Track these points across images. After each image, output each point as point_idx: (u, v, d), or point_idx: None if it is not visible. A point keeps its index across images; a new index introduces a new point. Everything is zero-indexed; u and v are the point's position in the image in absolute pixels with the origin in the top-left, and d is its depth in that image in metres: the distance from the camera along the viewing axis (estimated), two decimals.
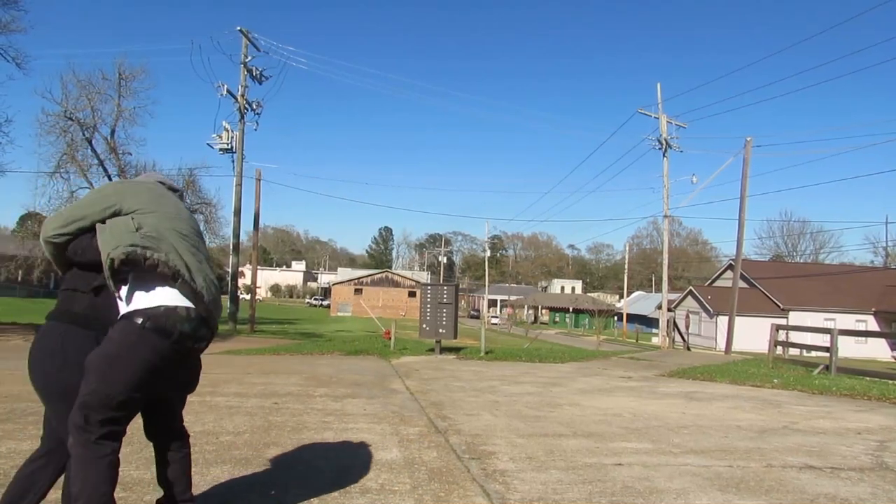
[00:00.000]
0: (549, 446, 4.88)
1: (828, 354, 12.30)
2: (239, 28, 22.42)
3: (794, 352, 17.90)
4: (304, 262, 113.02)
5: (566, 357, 14.67)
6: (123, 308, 2.44)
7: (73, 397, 2.33)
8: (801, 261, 60.70)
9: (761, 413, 7.05)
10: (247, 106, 22.83)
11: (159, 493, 3.37)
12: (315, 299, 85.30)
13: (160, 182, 2.80)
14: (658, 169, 28.11)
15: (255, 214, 26.44)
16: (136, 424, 5.08)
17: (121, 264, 2.37)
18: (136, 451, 4.18)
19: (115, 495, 3.29)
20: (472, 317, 74.17)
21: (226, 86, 21.94)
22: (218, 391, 6.80)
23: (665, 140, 27.66)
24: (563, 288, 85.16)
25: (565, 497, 3.61)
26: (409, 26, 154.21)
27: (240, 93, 22.58)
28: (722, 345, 28.23)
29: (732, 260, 31.97)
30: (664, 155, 27.80)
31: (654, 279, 67.90)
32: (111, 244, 2.40)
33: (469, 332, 29.05)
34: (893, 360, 31.57)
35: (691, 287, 44.60)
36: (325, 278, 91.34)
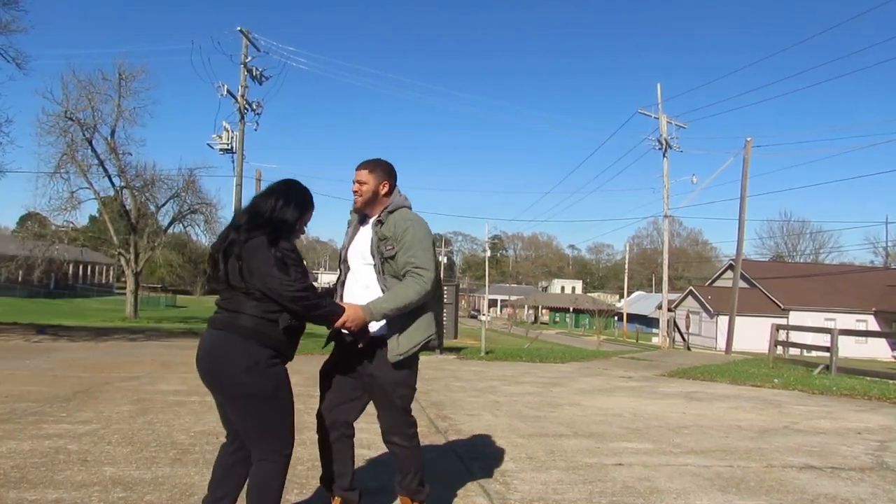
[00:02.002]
0: (549, 446, 4.88)
1: (828, 354, 12.29)
2: (239, 28, 22.42)
3: (794, 352, 17.88)
4: (304, 262, 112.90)
5: (566, 357, 14.67)
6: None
7: None
8: (801, 261, 60.68)
9: (762, 413, 7.05)
10: (247, 106, 22.84)
11: (159, 492, 3.39)
12: None
13: None
14: (658, 169, 28.13)
15: None
16: (137, 425, 5.07)
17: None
18: (137, 451, 4.19)
19: (115, 495, 3.30)
20: (472, 317, 74.12)
21: (226, 86, 21.93)
22: None
23: (665, 140, 27.65)
24: (563, 288, 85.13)
25: (566, 497, 3.61)
26: (409, 26, 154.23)
27: (240, 93, 22.58)
28: (722, 345, 28.22)
29: (732, 260, 31.97)
30: (664, 155, 27.79)
31: (654, 279, 67.87)
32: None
33: (469, 332, 29.05)
34: (894, 360, 31.56)
35: (691, 287, 44.59)
36: (325, 278, 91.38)
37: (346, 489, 2.98)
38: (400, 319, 2.80)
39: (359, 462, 4.17)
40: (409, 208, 3.01)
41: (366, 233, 2.98)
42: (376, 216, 2.94)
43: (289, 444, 2.49)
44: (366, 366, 2.87)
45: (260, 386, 2.37)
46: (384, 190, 2.94)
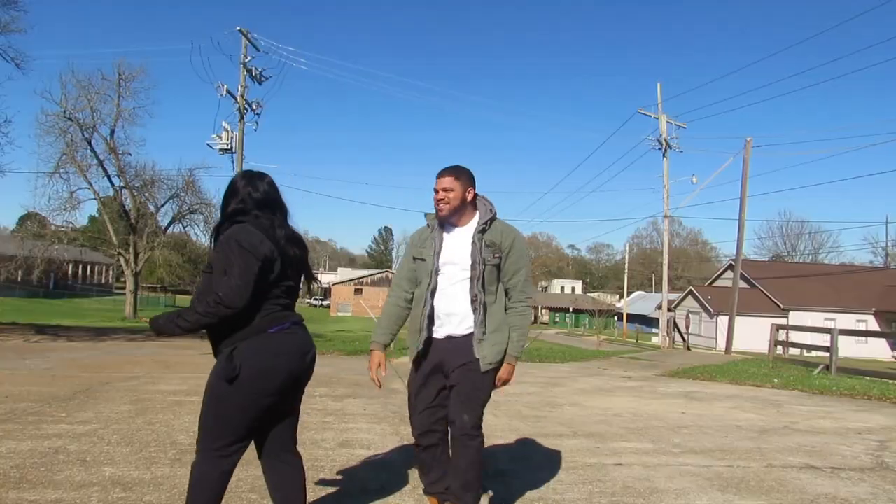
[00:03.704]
0: (549, 446, 4.87)
1: (828, 354, 12.29)
2: (239, 28, 22.42)
3: (794, 352, 17.87)
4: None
5: (566, 357, 14.66)
6: None
7: None
8: (801, 261, 60.68)
9: (761, 413, 7.05)
10: (247, 106, 22.83)
11: (159, 492, 3.38)
12: (315, 299, 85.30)
13: None
14: (658, 169, 28.10)
15: None
16: (136, 425, 5.06)
17: None
18: (136, 452, 4.19)
19: (115, 495, 3.30)
20: None
21: (225, 86, 21.93)
22: None
23: (665, 140, 27.64)
24: (563, 288, 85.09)
25: (566, 497, 3.61)
26: (410, 26, 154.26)
27: (239, 93, 22.58)
28: (722, 345, 28.22)
29: (732, 260, 31.97)
30: (664, 155, 27.78)
31: (654, 279, 67.88)
32: None
33: None
34: (894, 360, 31.55)
35: (691, 287, 44.57)
36: (325, 278, 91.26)
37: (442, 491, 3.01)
38: (493, 334, 2.89)
39: (359, 462, 4.18)
40: None
41: (458, 240, 2.96)
42: (479, 224, 2.95)
43: None
44: (457, 361, 2.90)
45: None
46: (470, 196, 2.96)
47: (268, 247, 2.37)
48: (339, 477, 3.80)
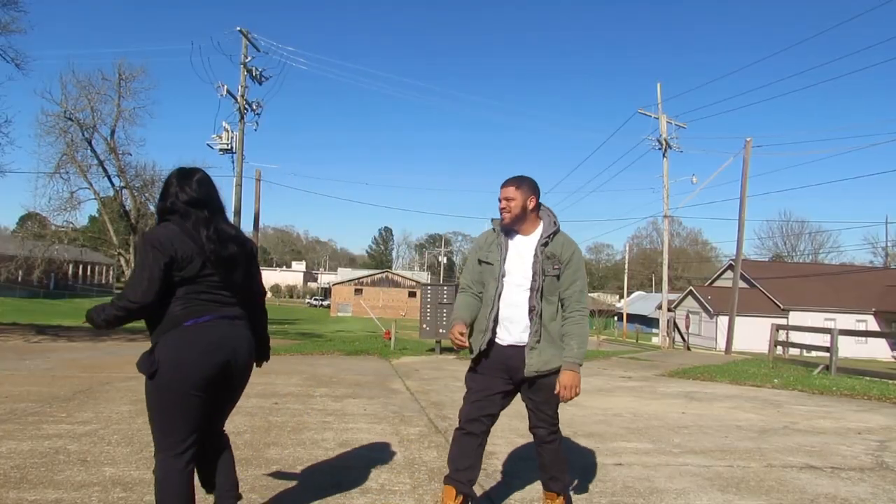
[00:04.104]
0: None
1: (828, 354, 12.29)
2: (239, 28, 22.42)
3: (794, 352, 17.89)
4: (304, 263, 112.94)
5: None
6: None
7: None
8: (801, 261, 60.66)
9: (761, 413, 7.05)
10: (247, 106, 22.84)
11: None
12: (315, 299, 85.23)
13: None
14: (658, 169, 28.10)
15: (255, 215, 26.41)
16: (137, 425, 5.07)
17: None
18: (136, 452, 4.19)
19: (115, 495, 3.30)
20: None
21: (226, 86, 21.93)
22: None
23: (665, 140, 27.63)
24: None
25: None
26: (410, 26, 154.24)
27: (240, 93, 22.59)
28: (722, 345, 28.23)
29: (732, 260, 31.96)
30: (664, 155, 27.77)
31: (654, 279, 67.85)
32: None
33: None
34: (894, 360, 31.56)
35: (691, 287, 44.57)
36: (325, 278, 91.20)
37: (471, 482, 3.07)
38: (545, 344, 2.99)
39: (359, 462, 4.18)
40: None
41: (522, 250, 3.07)
42: (541, 236, 3.06)
43: None
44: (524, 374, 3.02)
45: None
46: (531, 205, 3.05)
47: (182, 245, 2.40)
48: (339, 477, 3.81)
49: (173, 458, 2.39)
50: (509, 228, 3.09)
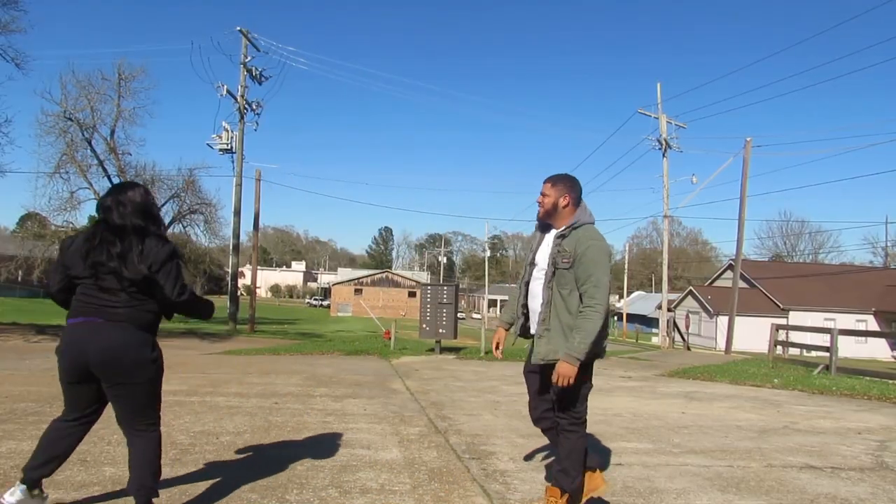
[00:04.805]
0: (549, 446, 4.87)
1: (828, 354, 12.28)
2: (239, 28, 22.44)
3: (794, 352, 17.88)
4: (303, 263, 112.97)
5: None
6: None
7: None
8: (801, 261, 60.65)
9: (761, 413, 7.05)
10: (247, 106, 22.85)
11: (159, 492, 3.37)
12: (315, 299, 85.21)
13: None
14: (658, 169, 28.11)
15: (255, 215, 26.45)
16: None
17: None
18: None
19: (115, 495, 3.29)
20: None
21: (226, 86, 21.95)
22: (218, 391, 6.73)
23: (665, 140, 27.64)
24: None
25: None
26: (410, 26, 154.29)
27: (239, 93, 22.60)
28: (722, 345, 28.23)
29: (732, 260, 31.96)
30: (664, 155, 27.78)
31: (654, 279, 67.83)
32: None
33: (469, 331, 29.04)
34: (894, 360, 31.55)
35: (691, 287, 44.58)
36: (325, 278, 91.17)
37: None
38: (552, 333, 3.10)
39: (359, 462, 4.18)
40: (593, 224, 3.21)
41: (548, 242, 3.23)
42: (560, 229, 3.17)
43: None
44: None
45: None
46: (564, 202, 3.17)
47: (69, 251, 2.80)
48: (338, 477, 3.80)
49: (62, 421, 2.87)
50: (544, 223, 3.26)
